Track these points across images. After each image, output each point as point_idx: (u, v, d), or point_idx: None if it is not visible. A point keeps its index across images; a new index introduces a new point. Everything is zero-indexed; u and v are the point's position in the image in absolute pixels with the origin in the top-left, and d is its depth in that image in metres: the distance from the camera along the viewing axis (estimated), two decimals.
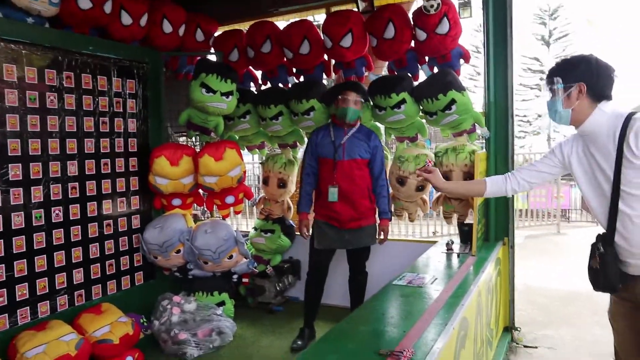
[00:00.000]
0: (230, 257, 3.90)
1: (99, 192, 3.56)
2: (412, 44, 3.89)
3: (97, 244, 3.55)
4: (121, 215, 3.74)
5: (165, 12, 4.02)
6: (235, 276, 4.09)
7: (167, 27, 4.04)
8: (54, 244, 3.25)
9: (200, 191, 4.18)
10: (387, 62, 4.16)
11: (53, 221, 3.25)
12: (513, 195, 3.78)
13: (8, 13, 3.03)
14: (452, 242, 3.61)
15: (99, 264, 3.55)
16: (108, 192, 3.62)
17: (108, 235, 3.63)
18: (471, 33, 23.09)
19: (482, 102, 4.00)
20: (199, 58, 4.20)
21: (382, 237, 3.69)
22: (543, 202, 9.88)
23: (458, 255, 3.40)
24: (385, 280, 2.87)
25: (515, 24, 3.73)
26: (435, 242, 4.11)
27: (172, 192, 3.90)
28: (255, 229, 4.72)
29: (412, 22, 3.81)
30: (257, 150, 4.84)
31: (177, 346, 3.55)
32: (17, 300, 3.04)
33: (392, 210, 3.84)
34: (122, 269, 3.74)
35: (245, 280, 4.31)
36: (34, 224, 3.13)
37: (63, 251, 3.30)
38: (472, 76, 26.82)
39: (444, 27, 3.62)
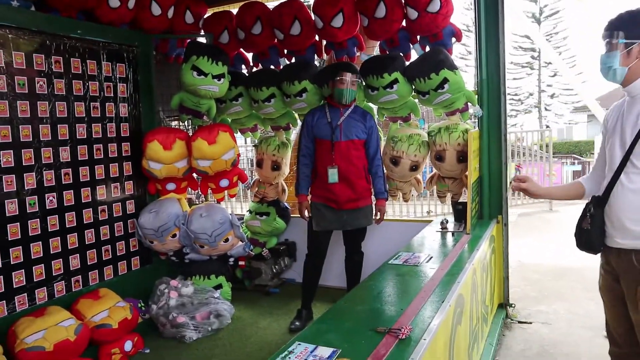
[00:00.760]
0: (226, 240, 3.91)
1: (93, 177, 3.54)
2: (404, 23, 3.86)
3: (93, 229, 3.54)
4: (115, 201, 3.73)
5: None
6: (231, 259, 4.11)
7: (156, 10, 3.98)
8: (49, 230, 3.24)
9: (195, 175, 4.17)
10: (378, 42, 4.14)
11: (47, 208, 3.23)
12: (506, 174, 3.83)
13: None
14: (447, 221, 3.64)
15: (95, 250, 3.55)
16: (102, 177, 3.60)
17: (103, 221, 3.62)
18: (461, 12, 23.02)
19: (473, 80, 4.01)
20: (189, 41, 4.15)
21: (378, 217, 3.72)
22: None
23: (453, 234, 3.43)
24: (381, 260, 2.90)
25: (506, 1, 3.72)
26: (430, 221, 4.14)
27: (166, 176, 3.89)
28: (250, 211, 4.73)
29: (403, 1, 3.77)
30: (250, 133, 4.82)
31: (175, 329, 3.57)
32: (15, 287, 3.04)
33: (388, 190, 3.86)
34: (118, 254, 3.74)
35: (241, 263, 4.33)
36: (28, 211, 3.11)
37: (58, 237, 3.29)
38: (464, 55, 26.75)
39: (435, 5, 3.59)
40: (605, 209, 2.08)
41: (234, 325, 3.81)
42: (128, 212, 3.83)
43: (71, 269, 3.38)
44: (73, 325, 2.98)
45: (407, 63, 3.90)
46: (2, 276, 2.97)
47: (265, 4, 4.36)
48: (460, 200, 3.87)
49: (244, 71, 4.71)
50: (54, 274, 3.27)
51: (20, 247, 3.07)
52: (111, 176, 3.69)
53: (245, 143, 10.05)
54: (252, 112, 4.57)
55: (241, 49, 4.62)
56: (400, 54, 3.95)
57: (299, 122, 4.45)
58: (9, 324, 2.93)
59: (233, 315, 3.84)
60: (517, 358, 3.44)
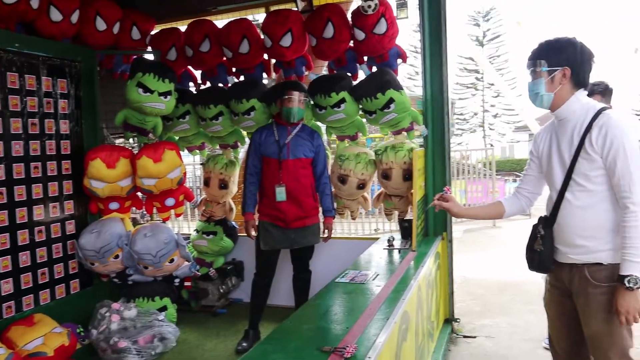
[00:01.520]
0: (172, 260, 3.81)
1: (29, 197, 3.38)
2: (351, 43, 3.94)
3: (28, 252, 3.37)
4: (54, 221, 3.58)
5: (98, 8, 3.86)
6: (177, 280, 4.00)
7: (101, 25, 3.89)
8: None
9: (139, 194, 4.05)
10: (326, 62, 4.20)
11: None
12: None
13: None
14: (393, 239, 3.69)
15: (30, 273, 3.38)
16: (39, 197, 3.45)
17: (40, 243, 3.46)
18: (409, 33, 23.76)
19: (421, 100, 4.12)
20: (135, 57, 4.08)
21: (326, 235, 3.73)
22: (480, 197, 10.30)
23: (399, 251, 3.48)
24: (328, 278, 2.89)
25: (450, 25, 3.87)
26: (377, 238, 4.18)
27: (109, 195, 3.77)
28: (197, 231, 4.64)
29: (350, 22, 3.86)
30: (197, 151, 4.75)
31: (116, 355, 3.43)
32: None
33: (335, 208, 3.88)
34: (56, 277, 3.58)
35: (187, 283, 4.23)
36: None
37: None
38: (412, 76, 27.50)
39: (381, 27, 3.69)
40: (555, 227, 2.15)
41: (179, 348, 3.70)
42: (68, 233, 3.68)
43: (2, 294, 3.20)
44: (2, 355, 2.81)
45: (355, 83, 3.98)
46: None
47: (214, 21, 4.35)
48: (407, 217, 3.94)
49: (192, 89, 4.66)
50: None
51: None
52: (50, 195, 3.54)
53: (193, 161, 9.89)
54: (200, 130, 4.51)
55: (189, 67, 4.58)
56: (348, 73, 4.03)
57: (247, 140, 4.43)
58: None
59: (178, 338, 3.73)
60: None
